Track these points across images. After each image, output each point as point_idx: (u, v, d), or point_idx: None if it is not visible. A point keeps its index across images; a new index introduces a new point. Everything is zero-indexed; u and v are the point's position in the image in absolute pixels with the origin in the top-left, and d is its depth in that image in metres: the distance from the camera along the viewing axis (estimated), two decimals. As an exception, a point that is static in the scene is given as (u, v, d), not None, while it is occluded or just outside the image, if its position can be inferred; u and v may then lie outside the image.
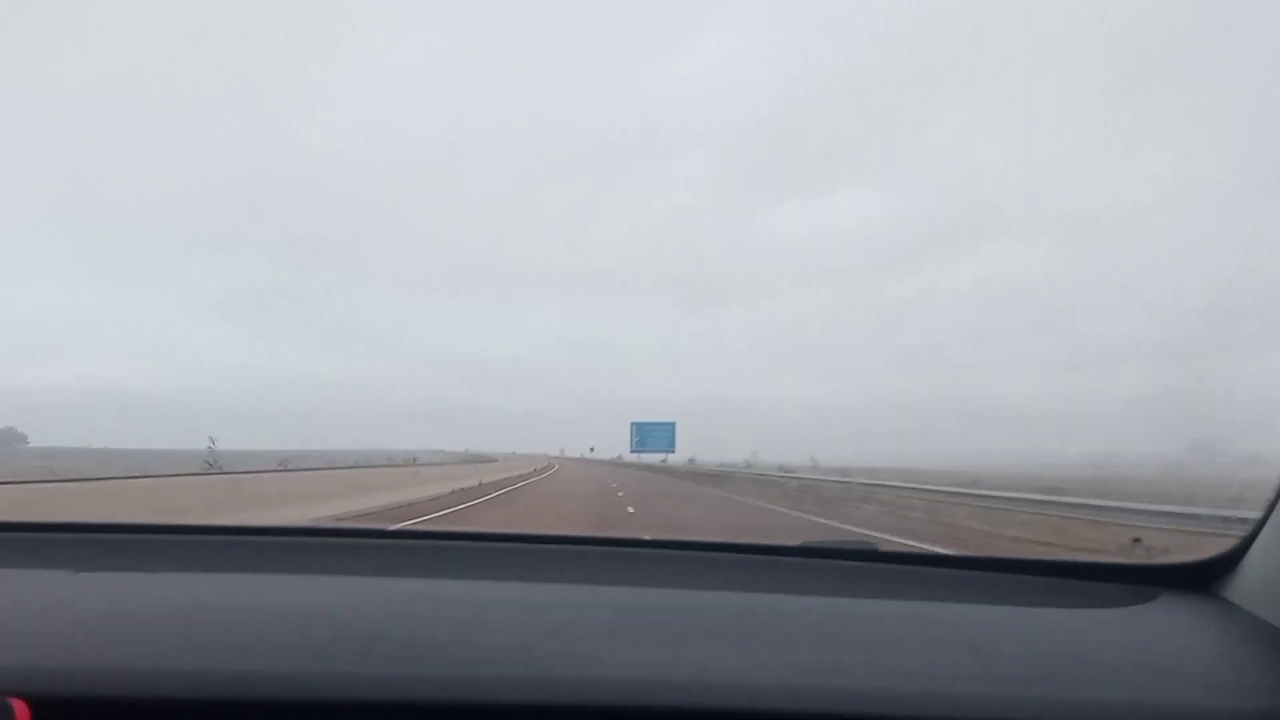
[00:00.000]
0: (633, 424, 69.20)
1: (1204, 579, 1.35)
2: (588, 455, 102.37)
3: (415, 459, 33.37)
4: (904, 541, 10.96)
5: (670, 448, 67.83)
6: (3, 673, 0.95)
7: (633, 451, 70.08)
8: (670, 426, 68.91)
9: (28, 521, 1.69)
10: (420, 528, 2.29)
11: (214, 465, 15.16)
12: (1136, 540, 9.81)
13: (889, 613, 1.30)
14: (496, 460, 51.07)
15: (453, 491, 21.40)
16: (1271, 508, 1.21)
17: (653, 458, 68.30)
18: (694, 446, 68.02)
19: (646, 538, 1.68)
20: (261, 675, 0.97)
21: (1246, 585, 1.28)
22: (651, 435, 68.67)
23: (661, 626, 1.19)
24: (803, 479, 27.04)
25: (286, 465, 18.83)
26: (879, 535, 11.54)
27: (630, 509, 17.67)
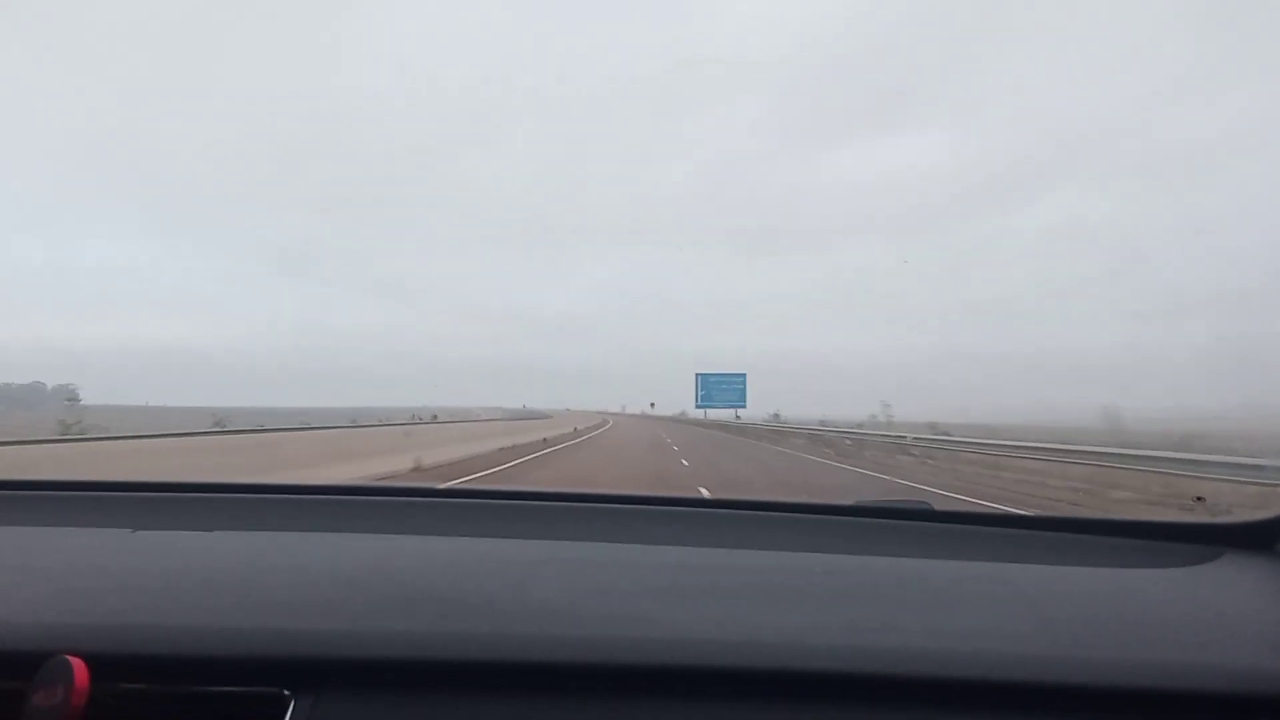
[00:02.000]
0: (698, 376, 63.09)
1: (1269, 538, 1.31)
2: (649, 411, 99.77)
3: (436, 416, 27.81)
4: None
5: (741, 402, 61.35)
6: (62, 630, 0.95)
7: (698, 407, 63.85)
8: (740, 379, 62.54)
9: (87, 480, 1.71)
10: (470, 486, 2.45)
11: (71, 427, 11.18)
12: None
13: (945, 573, 1.28)
14: (551, 416, 48.81)
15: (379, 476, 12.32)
16: None
17: (722, 414, 61.81)
18: (766, 402, 62.02)
19: (698, 497, 1.61)
20: (314, 633, 0.98)
21: None
22: (719, 389, 62.29)
23: (713, 586, 1.18)
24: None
25: (223, 425, 14.17)
26: None
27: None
